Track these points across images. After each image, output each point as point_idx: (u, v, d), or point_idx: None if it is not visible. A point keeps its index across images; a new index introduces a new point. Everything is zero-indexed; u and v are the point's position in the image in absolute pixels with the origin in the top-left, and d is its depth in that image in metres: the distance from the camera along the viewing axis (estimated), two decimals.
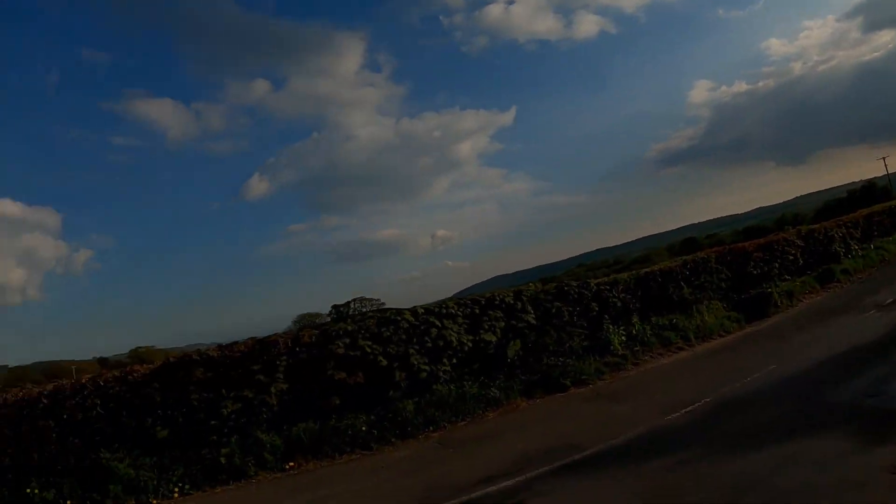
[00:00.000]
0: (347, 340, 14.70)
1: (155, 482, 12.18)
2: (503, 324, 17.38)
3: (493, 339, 16.98)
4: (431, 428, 14.48)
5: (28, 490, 12.10)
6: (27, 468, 12.44)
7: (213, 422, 12.69)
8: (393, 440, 13.89)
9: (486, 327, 17.00)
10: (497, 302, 17.59)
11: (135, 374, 12.86)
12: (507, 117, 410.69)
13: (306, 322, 57.17)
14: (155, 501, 11.95)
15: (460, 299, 17.79)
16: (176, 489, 12.15)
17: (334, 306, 64.29)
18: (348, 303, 65.09)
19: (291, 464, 12.73)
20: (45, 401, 12.55)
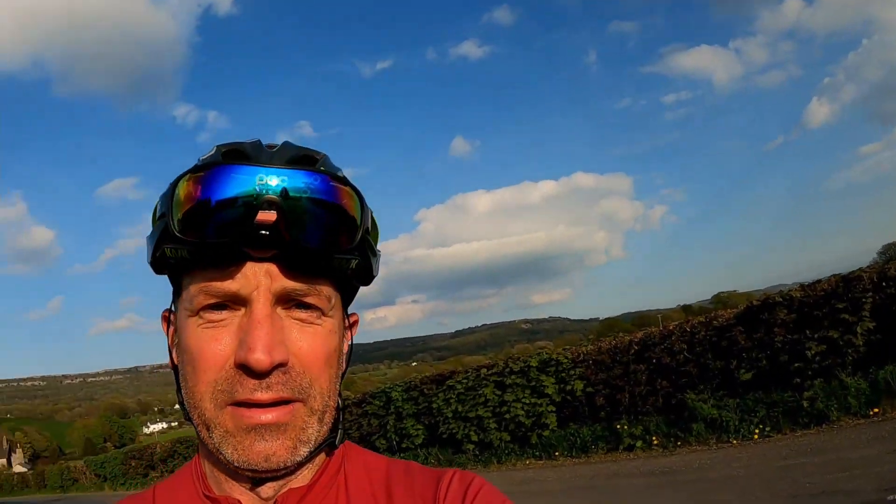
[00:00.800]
0: None
1: (736, 423, 11.47)
2: None
3: None
4: None
5: (618, 426, 12.84)
6: (618, 406, 13.21)
7: (795, 364, 11.24)
8: None
9: None
10: None
11: (718, 319, 12.35)
12: None
13: (894, 253, 47.99)
14: (735, 441, 11.19)
15: None
16: (756, 430, 11.11)
17: None
18: None
19: (875, 410, 10.35)
20: (635, 347, 13.18)
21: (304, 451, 0.78)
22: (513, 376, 14.86)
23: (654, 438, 12.21)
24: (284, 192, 0.71)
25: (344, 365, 0.87)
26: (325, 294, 0.78)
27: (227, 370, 0.75)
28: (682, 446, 11.78)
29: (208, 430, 0.78)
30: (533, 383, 14.44)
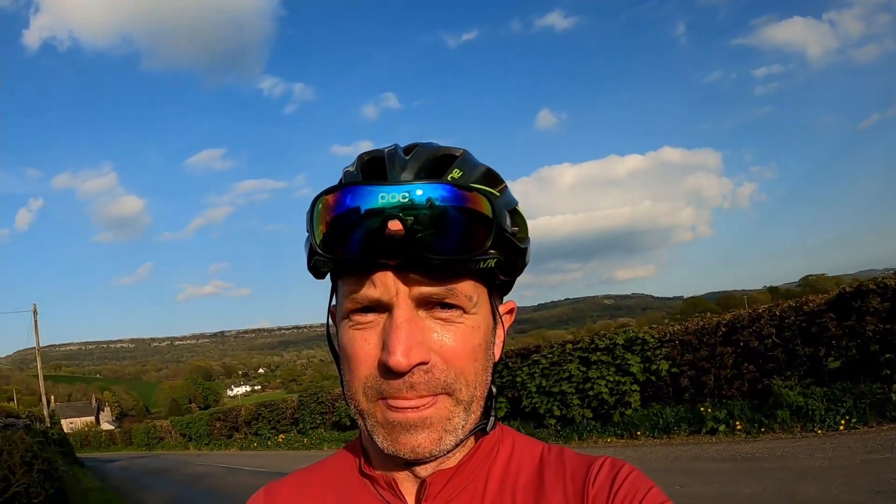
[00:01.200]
0: None
1: (822, 412, 11.27)
2: None
3: None
4: None
5: (701, 408, 12.78)
6: (702, 389, 13.15)
7: (886, 355, 10.92)
8: None
9: None
10: None
11: (809, 305, 12.03)
12: None
13: None
14: (820, 431, 10.99)
15: None
16: (842, 421, 10.86)
17: None
18: None
19: None
20: (722, 329, 13.01)
21: (449, 440, 0.83)
22: (598, 353, 14.91)
23: (737, 423, 12.12)
24: (408, 206, 0.76)
25: (496, 354, 0.91)
26: (464, 294, 0.82)
27: (375, 369, 0.82)
28: (765, 433, 11.66)
29: (363, 419, 0.86)
30: (618, 361, 14.48)
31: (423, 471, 0.89)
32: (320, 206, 0.81)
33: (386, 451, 0.84)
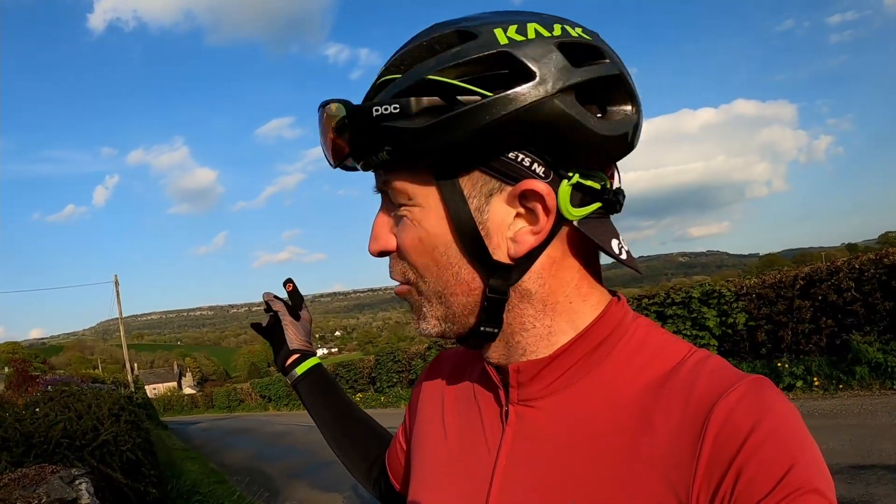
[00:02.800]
0: None
1: None
2: None
3: None
4: None
5: (778, 363, 12.64)
6: (779, 344, 13.00)
7: None
8: None
9: None
10: None
11: (890, 257, 11.61)
12: None
13: None
14: None
15: None
16: None
17: None
18: None
19: None
20: (800, 282, 12.74)
21: (425, 325, 0.87)
22: (674, 307, 14.80)
23: (815, 379, 11.98)
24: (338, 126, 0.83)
25: (506, 249, 0.80)
26: (398, 189, 0.82)
27: None
28: (843, 389, 11.49)
29: None
30: (694, 315, 14.36)
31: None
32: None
33: None
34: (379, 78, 0.82)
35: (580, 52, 0.75)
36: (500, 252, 0.79)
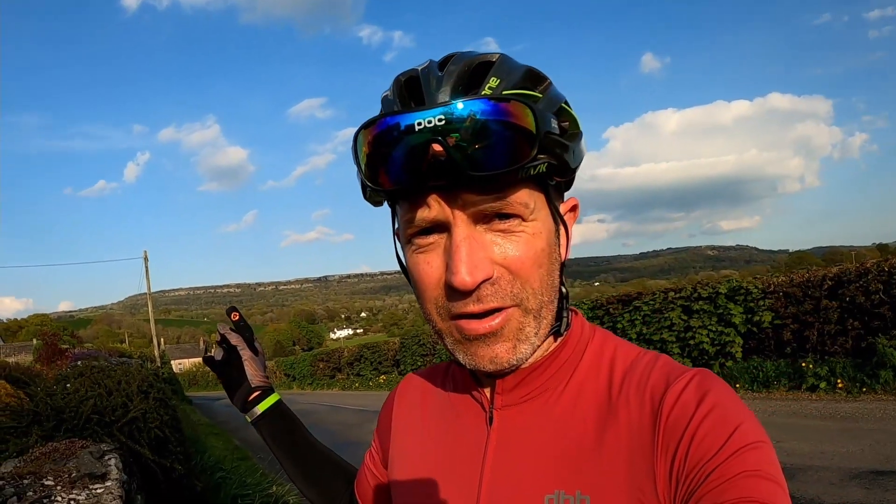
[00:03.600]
0: None
1: None
2: None
3: None
4: None
5: (803, 364, 12.59)
6: (805, 343, 12.94)
7: None
8: None
9: None
10: None
11: None
12: None
13: None
14: None
15: None
16: None
17: None
18: None
19: None
20: (828, 282, 12.65)
21: (523, 348, 0.86)
22: (700, 302, 14.77)
23: (838, 381, 11.90)
24: (445, 127, 0.75)
25: (562, 255, 0.92)
26: (519, 202, 0.82)
27: (443, 289, 0.85)
28: (866, 393, 11.41)
29: (441, 338, 0.90)
30: (720, 311, 14.32)
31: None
32: (361, 139, 0.82)
33: (468, 367, 0.89)
34: (503, 88, 0.82)
35: None
36: (562, 257, 0.92)
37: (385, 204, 0.95)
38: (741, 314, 13.94)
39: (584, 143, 0.89)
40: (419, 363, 26.77)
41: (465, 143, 0.75)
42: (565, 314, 0.94)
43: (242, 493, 7.36)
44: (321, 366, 37.64)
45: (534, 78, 0.85)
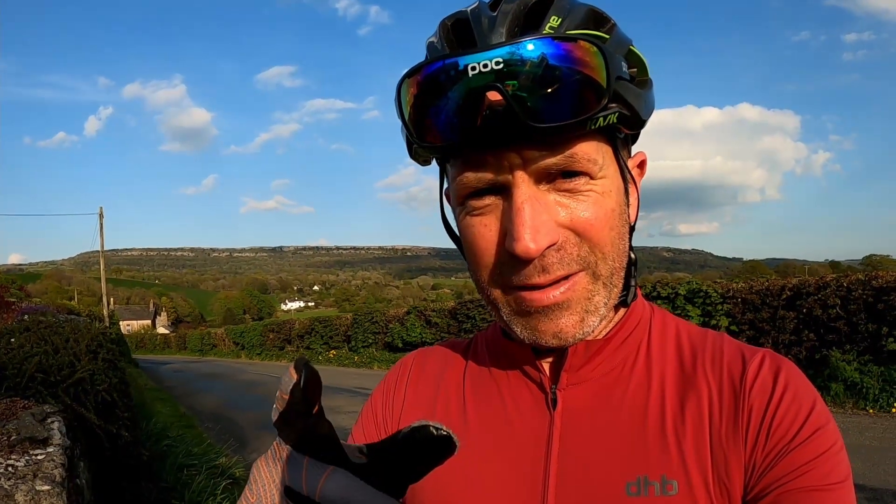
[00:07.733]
0: None
1: (876, 392, 11.10)
2: None
3: None
4: None
5: None
6: None
7: None
8: None
9: None
10: None
11: (878, 280, 11.67)
12: None
13: None
14: (872, 411, 10.82)
15: None
16: None
17: None
18: None
19: None
20: (787, 292, 12.76)
21: (592, 320, 0.77)
22: (659, 301, 14.72)
23: None
24: (504, 72, 0.66)
25: (631, 217, 0.83)
26: (587, 157, 0.72)
27: (502, 255, 0.76)
28: None
29: (497, 309, 0.80)
30: (677, 311, 14.22)
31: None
32: (406, 90, 0.73)
33: (527, 341, 0.80)
34: (552, 21, 0.71)
35: None
36: (630, 219, 0.84)
37: (433, 162, 0.85)
38: (699, 316, 13.98)
39: (653, 91, 0.79)
40: (370, 340, 26.66)
41: (525, 91, 0.66)
42: (633, 282, 0.86)
43: (188, 464, 7.16)
44: (271, 336, 37.39)
45: (598, 18, 0.75)
